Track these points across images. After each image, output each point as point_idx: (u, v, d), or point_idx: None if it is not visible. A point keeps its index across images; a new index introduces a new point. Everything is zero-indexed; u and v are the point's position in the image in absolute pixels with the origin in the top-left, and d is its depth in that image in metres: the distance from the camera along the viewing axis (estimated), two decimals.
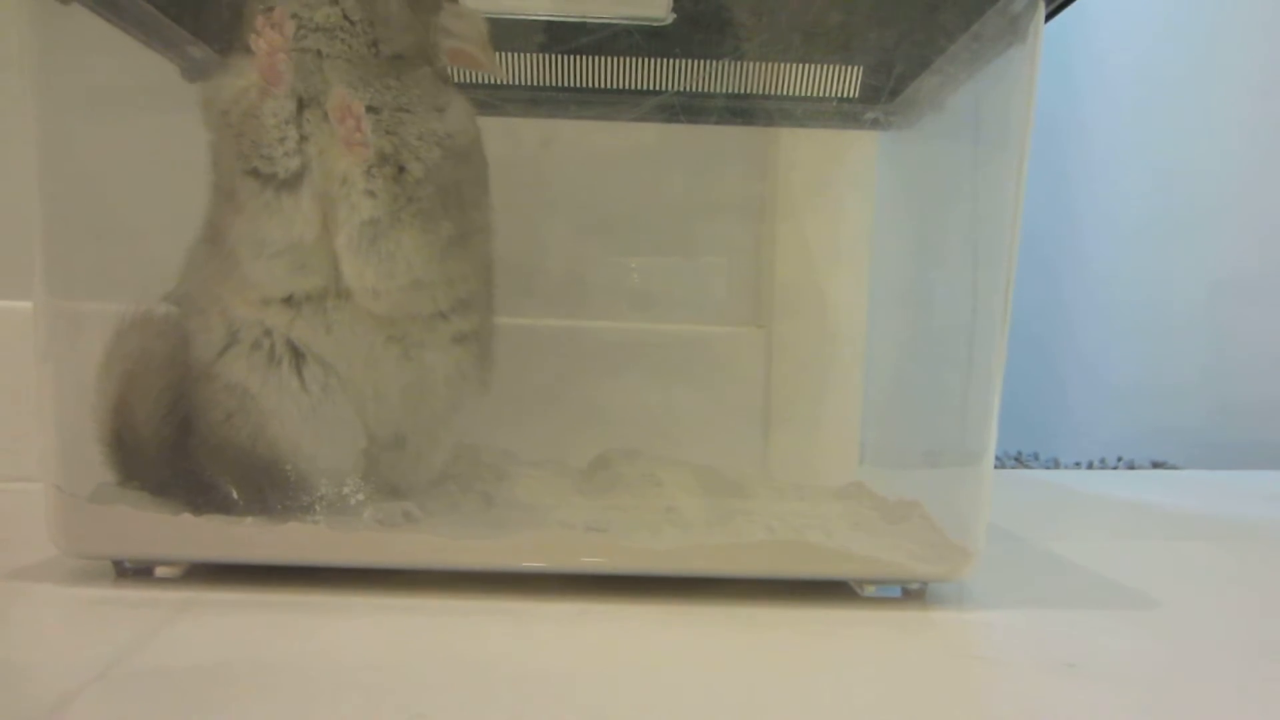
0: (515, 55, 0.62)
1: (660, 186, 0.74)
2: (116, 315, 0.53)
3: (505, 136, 0.58)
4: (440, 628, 0.43)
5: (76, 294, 0.50)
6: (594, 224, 0.74)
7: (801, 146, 0.74)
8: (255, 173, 0.48)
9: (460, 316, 0.53)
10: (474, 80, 0.56)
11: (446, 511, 0.54)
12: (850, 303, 0.74)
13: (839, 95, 0.65)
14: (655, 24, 0.54)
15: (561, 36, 0.59)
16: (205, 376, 0.50)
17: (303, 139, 0.48)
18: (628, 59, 0.63)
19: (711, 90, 0.65)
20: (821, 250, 0.74)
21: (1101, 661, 0.41)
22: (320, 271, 0.49)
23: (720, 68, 0.64)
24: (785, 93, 0.65)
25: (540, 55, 0.62)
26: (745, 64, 0.63)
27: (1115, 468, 1.16)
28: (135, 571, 0.48)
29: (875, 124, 0.68)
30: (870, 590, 0.49)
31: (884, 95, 0.66)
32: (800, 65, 0.63)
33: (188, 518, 0.48)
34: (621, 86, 0.64)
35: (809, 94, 0.65)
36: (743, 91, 0.65)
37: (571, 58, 0.62)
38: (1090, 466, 1.16)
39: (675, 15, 0.52)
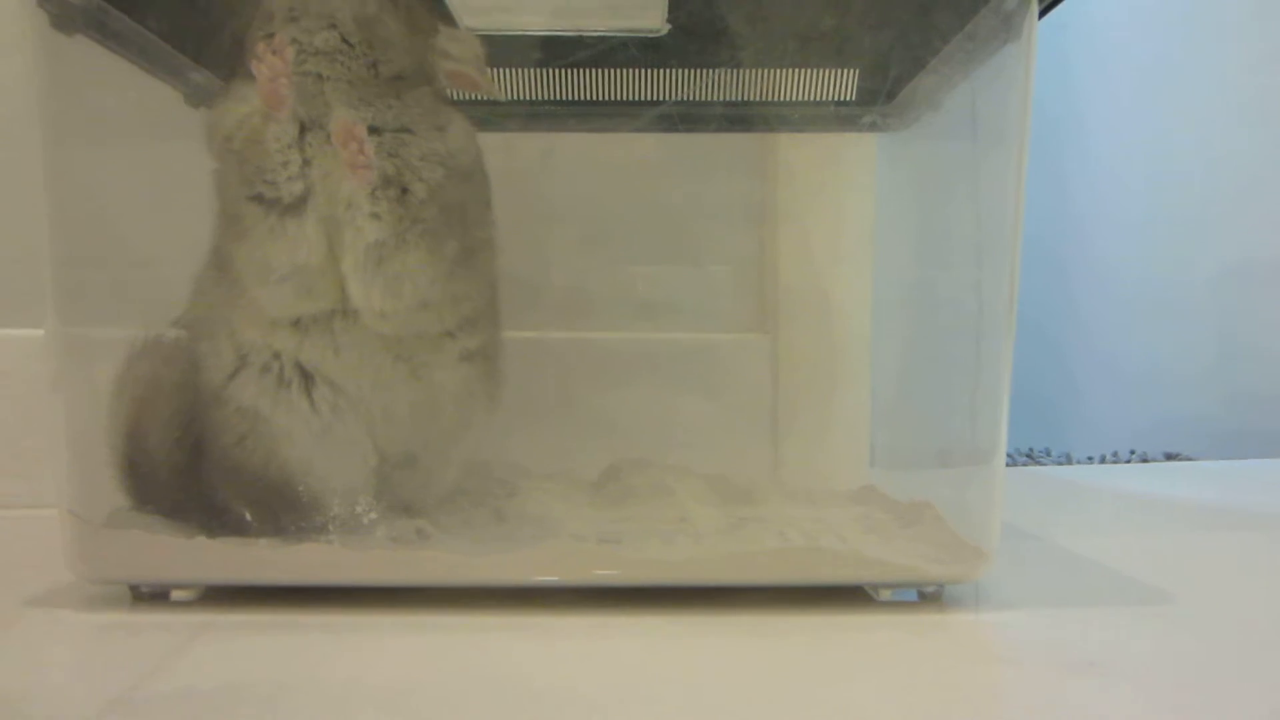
0: (513, 71, 0.63)
1: (661, 196, 0.75)
2: (127, 342, 0.54)
3: (506, 152, 0.58)
4: (457, 645, 0.43)
5: (88, 321, 0.51)
6: (596, 236, 0.75)
7: (800, 151, 0.74)
8: (259, 198, 0.48)
9: (467, 334, 0.53)
10: (473, 97, 0.57)
11: (459, 528, 0.54)
12: (855, 305, 0.74)
13: (836, 99, 0.66)
14: (651, 35, 0.54)
15: (559, 52, 0.60)
16: (216, 401, 0.51)
17: (306, 163, 0.48)
18: (625, 71, 0.63)
19: (709, 99, 0.65)
20: (824, 254, 0.74)
21: (1123, 659, 0.41)
22: (327, 294, 0.50)
23: (717, 76, 0.64)
24: (782, 98, 0.65)
25: (538, 70, 0.62)
26: (741, 71, 0.63)
27: (1129, 461, 1.15)
28: (151, 595, 0.48)
29: (873, 126, 0.69)
30: (886, 595, 0.48)
31: (881, 97, 0.66)
32: (796, 70, 0.64)
33: (203, 541, 0.48)
34: (620, 98, 0.65)
35: (806, 99, 0.66)
36: (740, 99, 0.66)
37: (569, 72, 0.63)
38: (1103, 460, 1.15)
39: (670, 26, 0.53)
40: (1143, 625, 0.46)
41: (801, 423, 0.75)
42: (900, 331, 0.71)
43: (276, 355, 0.50)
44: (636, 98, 0.65)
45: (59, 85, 0.49)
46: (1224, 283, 1.22)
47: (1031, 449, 1.17)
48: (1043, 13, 0.47)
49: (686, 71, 0.63)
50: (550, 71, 0.63)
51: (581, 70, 0.62)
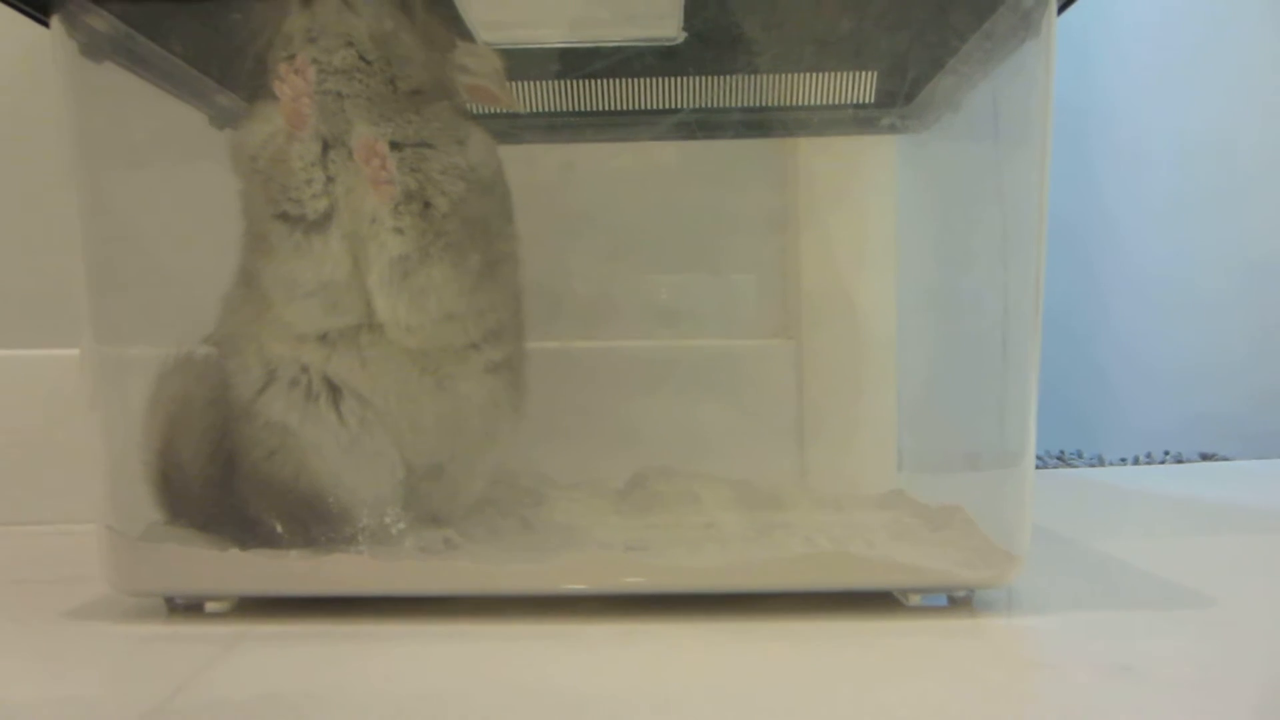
0: (532, 83, 0.63)
1: (682, 203, 0.75)
2: (159, 360, 0.55)
3: (526, 163, 0.58)
4: (486, 653, 0.43)
5: (122, 340, 0.52)
6: (619, 244, 0.75)
7: (820, 155, 0.74)
8: (284, 216, 0.49)
9: (492, 346, 0.54)
10: (493, 110, 0.57)
11: (486, 537, 0.54)
12: (879, 308, 0.74)
13: (854, 102, 0.65)
14: (667, 44, 0.54)
15: (576, 63, 0.60)
16: (246, 415, 0.51)
17: (329, 180, 0.49)
18: (642, 80, 0.63)
19: (727, 105, 0.66)
20: (847, 258, 0.74)
21: (1158, 664, 0.40)
22: (353, 309, 0.50)
23: (734, 82, 0.64)
24: (800, 103, 0.65)
25: (556, 82, 0.63)
26: (759, 77, 0.63)
27: (1162, 462, 1.13)
28: (186, 607, 0.49)
29: (892, 128, 0.68)
30: (916, 600, 0.48)
31: (900, 99, 0.65)
32: (813, 74, 0.64)
33: (235, 553, 0.49)
34: (638, 107, 0.65)
35: (824, 102, 0.65)
36: (758, 104, 0.66)
37: (587, 82, 0.63)
38: (1136, 462, 1.13)
39: (686, 34, 0.53)
40: (1179, 629, 0.45)
41: (828, 427, 0.74)
42: (925, 334, 0.70)
43: (304, 369, 0.51)
44: (655, 106, 0.65)
45: (89, 111, 0.50)
46: (1256, 277, 1.19)
47: (1063, 451, 1.16)
48: (1061, 9, 0.47)
49: (704, 78, 0.64)
50: (568, 83, 0.63)
51: (599, 80, 0.63)
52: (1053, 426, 0.71)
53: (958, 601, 0.48)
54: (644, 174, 0.74)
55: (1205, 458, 1.12)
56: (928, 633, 0.45)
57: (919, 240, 0.71)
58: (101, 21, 0.49)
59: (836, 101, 0.65)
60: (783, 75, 0.63)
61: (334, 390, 0.51)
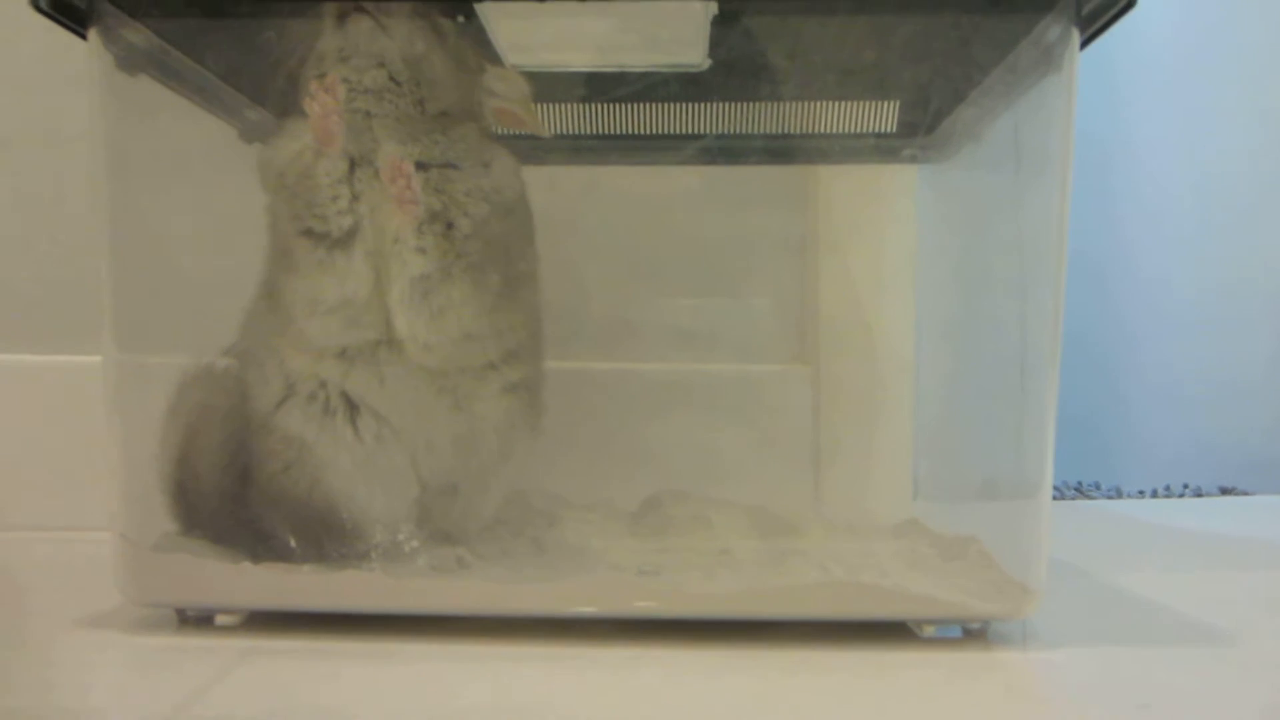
0: (557, 106, 0.64)
1: (703, 227, 0.75)
2: (179, 369, 0.55)
3: (549, 184, 0.59)
4: (496, 675, 0.43)
5: (143, 349, 0.52)
6: (639, 267, 0.75)
7: (841, 182, 0.74)
8: (310, 232, 0.49)
9: (510, 366, 0.54)
10: (518, 132, 0.58)
11: (499, 557, 0.54)
12: (897, 336, 0.74)
13: (876, 131, 0.66)
14: (692, 70, 0.55)
15: (602, 87, 0.61)
16: (264, 428, 0.52)
17: (354, 198, 0.49)
18: (667, 105, 0.64)
19: (750, 131, 0.66)
20: (866, 285, 0.74)
21: (1176, 702, 0.40)
22: (373, 326, 0.51)
23: (757, 109, 0.64)
24: (822, 131, 0.66)
25: (581, 105, 0.64)
26: (782, 105, 0.64)
27: (1181, 495, 1.12)
28: (197, 619, 0.49)
29: (914, 158, 0.68)
30: (929, 631, 0.47)
31: (921, 129, 0.66)
32: (836, 103, 0.64)
33: (247, 566, 0.49)
34: (661, 132, 0.66)
35: (846, 131, 0.66)
36: (780, 131, 0.66)
37: (612, 106, 0.64)
38: (1155, 495, 1.12)
39: (711, 61, 0.53)
40: (1199, 667, 0.44)
41: (843, 454, 0.74)
42: (943, 362, 0.70)
43: (323, 384, 0.51)
44: (678, 131, 0.66)
45: (122, 122, 0.50)
46: (1277, 304, 1.18)
47: (1080, 482, 1.14)
48: (1084, 44, 0.47)
49: (727, 105, 0.64)
50: (593, 106, 0.64)
51: (624, 105, 0.63)
52: (1071, 450, 0.70)
53: (973, 634, 0.48)
54: (665, 197, 0.75)
55: (1225, 491, 1.11)
56: (941, 665, 0.44)
57: (938, 268, 0.71)
58: (138, 35, 0.50)
59: (858, 130, 0.66)
60: (805, 103, 0.64)
61: (351, 406, 0.51)
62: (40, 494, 0.74)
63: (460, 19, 0.51)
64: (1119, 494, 1.12)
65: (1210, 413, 1.18)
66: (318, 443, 0.51)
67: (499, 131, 0.56)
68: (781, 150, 0.69)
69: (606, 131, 0.66)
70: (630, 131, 0.66)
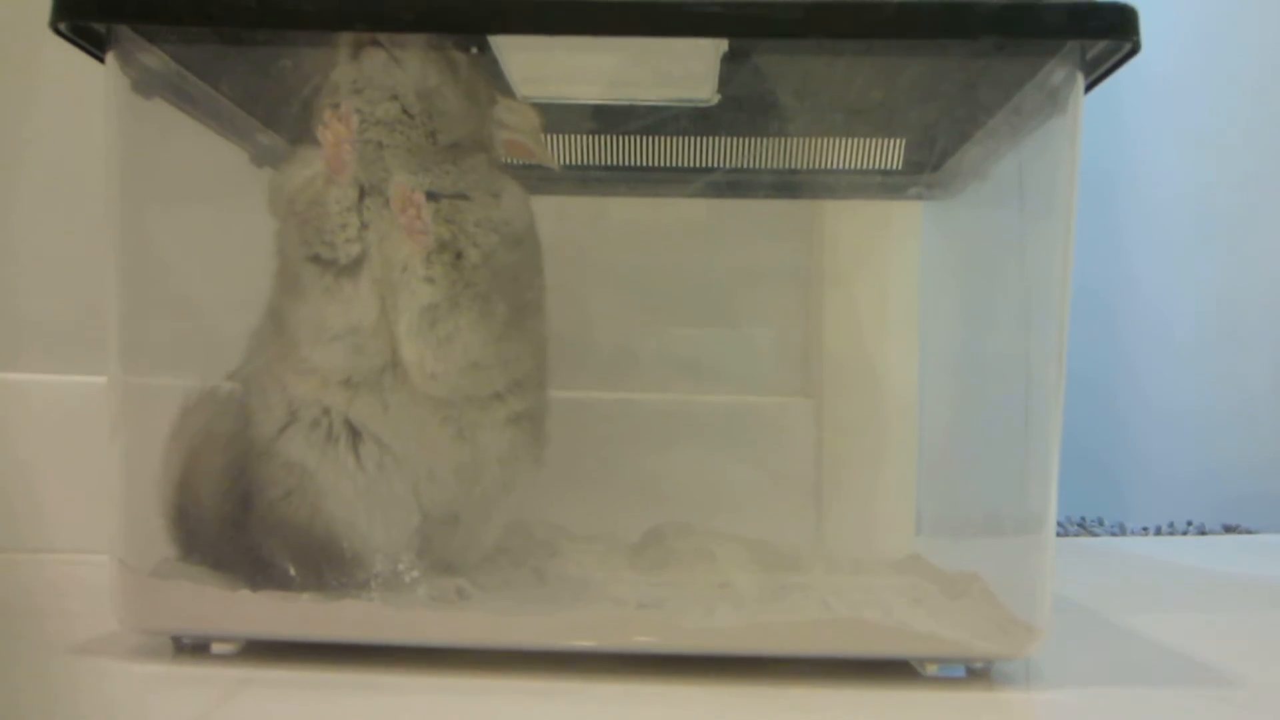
0: (567, 138, 0.64)
1: (709, 260, 0.75)
2: (182, 393, 0.55)
3: (558, 214, 0.59)
4: (494, 709, 0.42)
5: (148, 371, 0.52)
6: (645, 298, 0.75)
7: (847, 218, 0.74)
8: (317, 259, 0.50)
9: (515, 397, 0.54)
10: (527, 163, 0.58)
11: (499, 588, 0.54)
12: (901, 372, 0.74)
13: (882, 168, 0.66)
14: (701, 105, 0.55)
15: (612, 120, 0.61)
16: (265, 454, 0.51)
17: (364, 226, 0.50)
18: (676, 139, 0.64)
19: (757, 166, 0.66)
20: (870, 320, 0.74)
21: None
22: (378, 354, 0.51)
23: (765, 145, 0.65)
24: (829, 167, 0.66)
25: (591, 137, 0.64)
26: (789, 140, 0.64)
27: (1185, 533, 1.11)
28: (193, 647, 0.48)
29: (919, 195, 0.69)
30: (932, 669, 0.47)
31: (927, 167, 0.66)
32: (843, 140, 0.64)
33: (245, 594, 0.48)
34: (670, 165, 0.66)
35: (853, 167, 0.66)
36: (788, 167, 0.67)
37: (622, 139, 0.64)
38: (1159, 532, 1.12)
39: (720, 97, 0.54)
40: (1205, 708, 0.44)
41: (846, 489, 0.74)
42: (947, 398, 0.70)
43: (326, 411, 0.51)
44: (687, 165, 0.66)
45: (135, 144, 0.51)
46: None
47: (1084, 518, 1.14)
48: (1089, 88, 0.48)
49: (736, 140, 0.65)
50: (603, 138, 0.64)
51: (634, 138, 0.64)
52: (1075, 484, 0.69)
53: (976, 673, 0.47)
54: (672, 229, 0.75)
55: (1229, 529, 1.10)
56: (943, 705, 0.44)
57: (942, 304, 0.71)
58: (155, 59, 0.50)
59: (865, 167, 0.66)
60: (813, 140, 0.64)
61: (354, 434, 0.51)
62: (38, 516, 0.73)
63: (474, 50, 0.52)
64: (1122, 530, 1.11)
65: (1214, 447, 1.18)
66: (319, 470, 0.51)
67: (509, 162, 0.56)
68: (788, 185, 0.69)
69: (616, 163, 0.66)
70: (639, 164, 0.66)
